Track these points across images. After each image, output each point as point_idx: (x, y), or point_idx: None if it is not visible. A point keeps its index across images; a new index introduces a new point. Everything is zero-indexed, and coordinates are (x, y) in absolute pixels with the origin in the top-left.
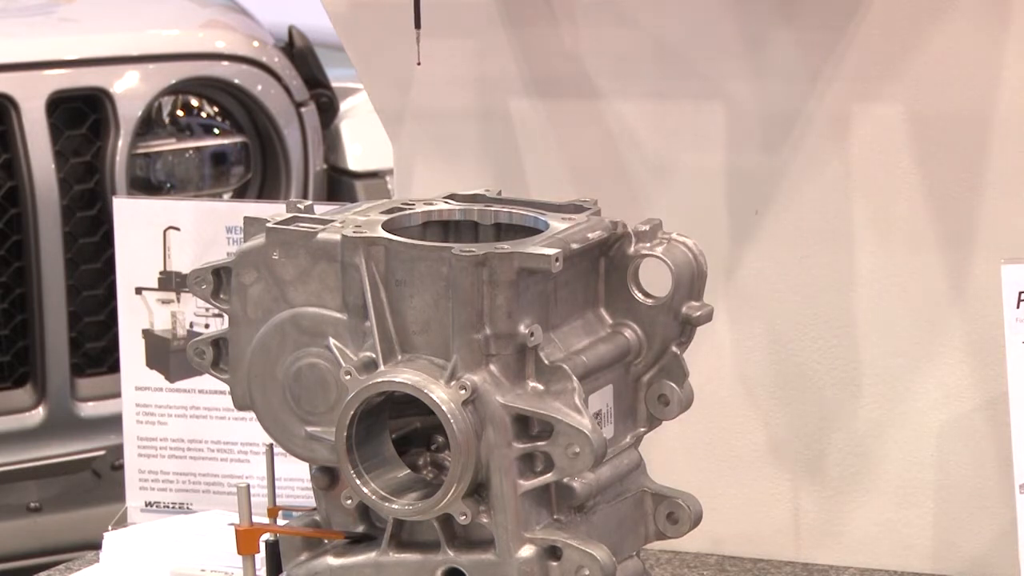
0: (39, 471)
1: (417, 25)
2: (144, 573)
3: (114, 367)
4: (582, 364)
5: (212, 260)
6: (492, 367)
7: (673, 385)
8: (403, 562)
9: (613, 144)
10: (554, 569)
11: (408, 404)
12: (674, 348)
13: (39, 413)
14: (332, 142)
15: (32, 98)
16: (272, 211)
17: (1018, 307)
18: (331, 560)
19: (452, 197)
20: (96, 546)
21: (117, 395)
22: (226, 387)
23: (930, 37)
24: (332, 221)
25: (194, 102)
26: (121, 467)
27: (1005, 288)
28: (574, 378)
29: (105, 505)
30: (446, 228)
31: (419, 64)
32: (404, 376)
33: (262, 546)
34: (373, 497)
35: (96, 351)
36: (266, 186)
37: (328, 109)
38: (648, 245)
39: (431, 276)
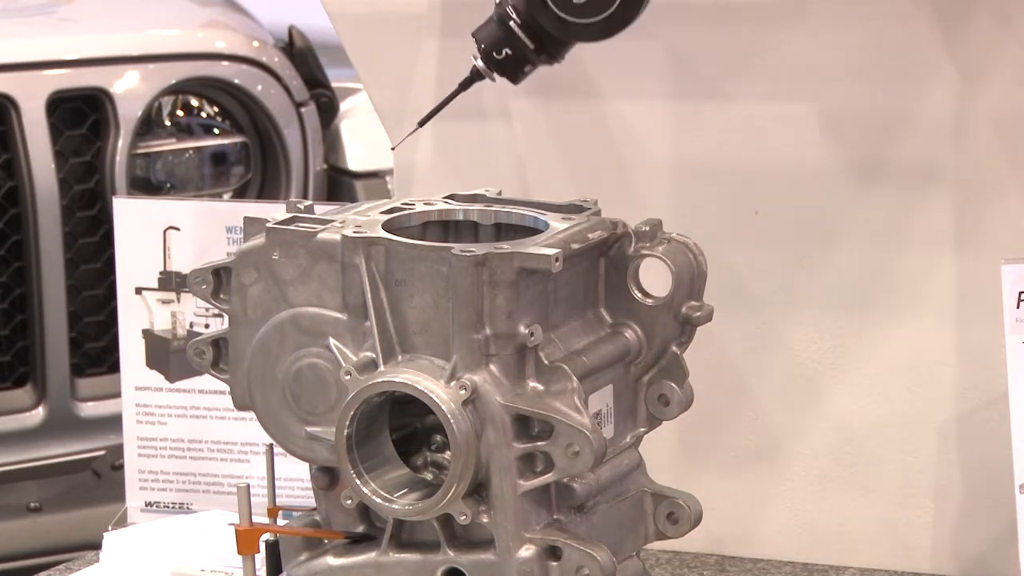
0: (39, 471)
1: (420, 124)
2: (144, 573)
3: (114, 367)
4: (582, 364)
5: (212, 260)
6: (492, 367)
7: (673, 385)
8: (403, 562)
9: (613, 144)
10: (554, 569)
11: (408, 404)
12: (674, 348)
13: (39, 413)
14: (332, 142)
15: (32, 98)
16: (272, 211)
17: (1018, 307)
18: (331, 560)
19: (452, 197)
20: (96, 546)
21: (117, 395)
22: (226, 387)
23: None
24: (332, 221)
25: (194, 102)
26: (121, 467)
27: (1005, 288)
28: (574, 378)
29: (105, 505)
30: (446, 228)
31: (392, 149)
32: (404, 376)
33: (262, 546)
34: (373, 497)
35: (96, 351)
36: (266, 186)
37: (328, 109)
38: (648, 245)
39: (431, 276)
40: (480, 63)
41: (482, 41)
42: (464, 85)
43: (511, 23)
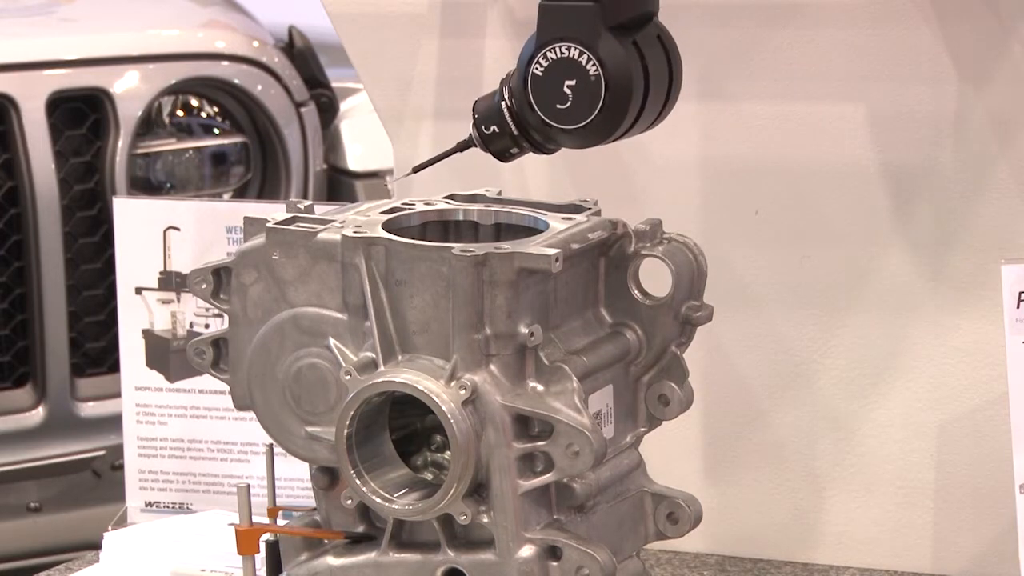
0: (39, 471)
1: (415, 170)
2: (144, 573)
3: (114, 367)
4: (582, 364)
5: (212, 260)
6: (492, 367)
7: (673, 385)
8: (403, 562)
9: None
10: (554, 569)
11: (408, 404)
12: (674, 348)
13: (39, 413)
14: (332, 142)
15: (32, 98)
16: (272, 211)
17: (1018, 307)
18: (331, 560)
19: (452, 197)
20: (96, 546)
21: (117, 395)
22: (226, 387)
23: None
24: (332, 221)
25: (194, 102)
26: (121, 467)
27: (1005, 288)
28: (574, 378)
29: (105, 505)
30: (446, 228)
31: (388, 186)
32: (404, 376)
33: (262, 546)
34: (373, 497)
35: (96, 351)
36: (266, 186)
37: (328, 109)
38: (648, 245)
39: (431, 276)
40: (474, 132)
41: (477, 111)
42: (460, 147)
43: (503, 103)
